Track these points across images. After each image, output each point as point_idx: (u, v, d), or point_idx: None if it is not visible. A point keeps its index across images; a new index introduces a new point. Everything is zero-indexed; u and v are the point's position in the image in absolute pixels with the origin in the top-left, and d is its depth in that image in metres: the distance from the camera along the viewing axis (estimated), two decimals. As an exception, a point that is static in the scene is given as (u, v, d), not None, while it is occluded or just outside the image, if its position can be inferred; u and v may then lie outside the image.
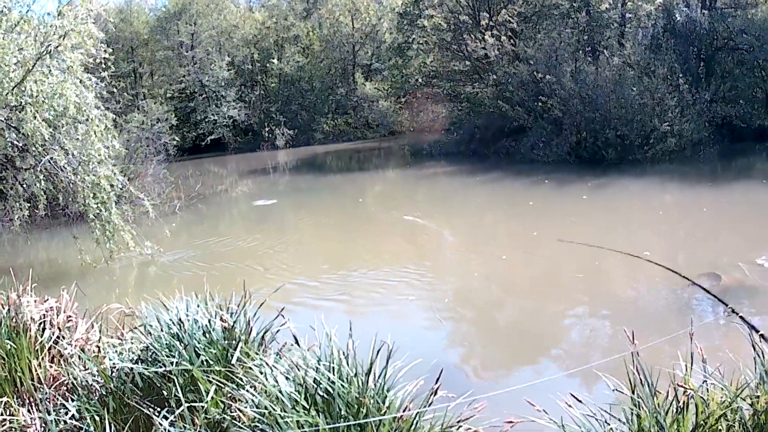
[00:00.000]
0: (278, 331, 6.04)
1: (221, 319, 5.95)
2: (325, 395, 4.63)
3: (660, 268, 11.63)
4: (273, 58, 47.34)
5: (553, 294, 11.08)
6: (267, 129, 44.78)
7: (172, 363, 5.33)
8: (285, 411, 4.44)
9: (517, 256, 13.92)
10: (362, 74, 48.09)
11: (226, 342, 5.72)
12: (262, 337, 6.00)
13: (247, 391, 4.80)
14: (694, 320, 8.60)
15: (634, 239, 14.46)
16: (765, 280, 10.38)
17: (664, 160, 24.48)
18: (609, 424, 4.29)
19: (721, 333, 8.36)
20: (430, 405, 4.57)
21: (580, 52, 30.65)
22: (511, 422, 4.33)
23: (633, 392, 4.38)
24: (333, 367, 4.79)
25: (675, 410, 4.21)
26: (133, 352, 5.85)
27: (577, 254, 13.18)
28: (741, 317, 8.26)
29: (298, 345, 5.34)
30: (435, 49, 36.29)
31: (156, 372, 5.37)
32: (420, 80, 37.83)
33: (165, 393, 5.23)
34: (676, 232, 15.25)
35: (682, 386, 4.23)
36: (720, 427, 4.11)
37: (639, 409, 4.24)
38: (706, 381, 4.33)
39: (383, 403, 4.67)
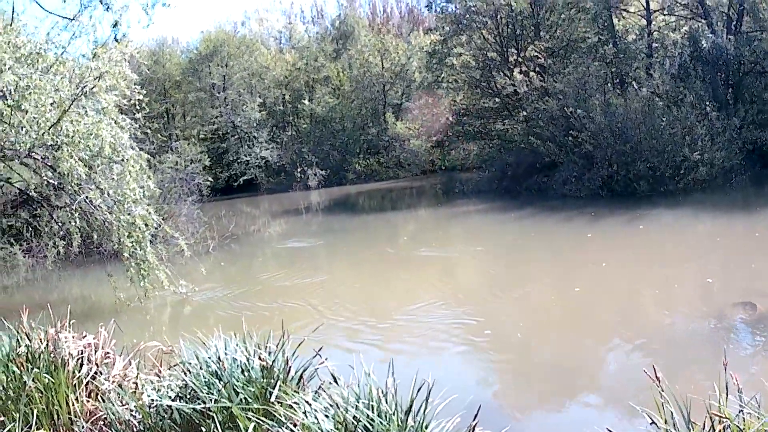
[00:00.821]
0: (317, 369, 6.05)
1: (260, 357, 5.98)
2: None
3: (694, 299, 11.75)
4: (304, 99, 47.99)
5: (589, 328, 11.11)
6: (299, 169, 45.13)
7: (211, 400, 5.38)
8: None
9: (551, 291, 13.97)
10: (393, 114, 48.52)
11: (265, 380, 5.73)
12: (301, 375, 6.01)
13: (287, 428, 4.83)
14: (731, 350, 8.81)
15: (668, 271, 14.43)
16: None
17: (696, 189, 24.53)
18: None
19: (757, 362, 8.34)
20: None
21: (609, 84, 30.75)
22: None
23: (667, 423, 4.40)
24: (372, 405, 4.77)
25: None
26: (171, 389, 5.90)
27: (612, 288, 13.31)
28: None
29: (337, 383, 5.37)
30: (464, 86, 36.54)
31: (195, 409, 5.42)
32: (451, 119, 37.97)
33: (203, 430, 5.29)
34: (710, 261, 15.20)
35: (717, 415, 4.22)
36: None
37: None
38: (742, 410, 4.30)
39: None
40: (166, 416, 5.57)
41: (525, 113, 30.27)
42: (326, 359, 5.96)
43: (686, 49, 30.32)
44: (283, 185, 45.43)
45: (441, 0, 37.18)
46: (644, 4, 32.57)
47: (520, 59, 32.24)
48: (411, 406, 4.77)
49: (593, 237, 19.33)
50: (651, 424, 4.50)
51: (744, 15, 31.82)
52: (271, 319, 11.43)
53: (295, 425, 4.86)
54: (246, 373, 5.78)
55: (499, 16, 34.09)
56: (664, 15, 34.19)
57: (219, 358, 5.92)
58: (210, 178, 32.84)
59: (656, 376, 4.60)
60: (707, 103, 26.79)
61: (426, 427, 4.76)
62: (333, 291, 15.34)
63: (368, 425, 4.60)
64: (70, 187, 13.58)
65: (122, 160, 13.79)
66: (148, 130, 21.05)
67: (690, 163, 24.46)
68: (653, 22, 32.94)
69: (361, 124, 48.38)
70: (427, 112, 41.50)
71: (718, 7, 32.46)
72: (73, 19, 14.49)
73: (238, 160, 45.77)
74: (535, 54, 31.77)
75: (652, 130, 24.95)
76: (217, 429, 4.99)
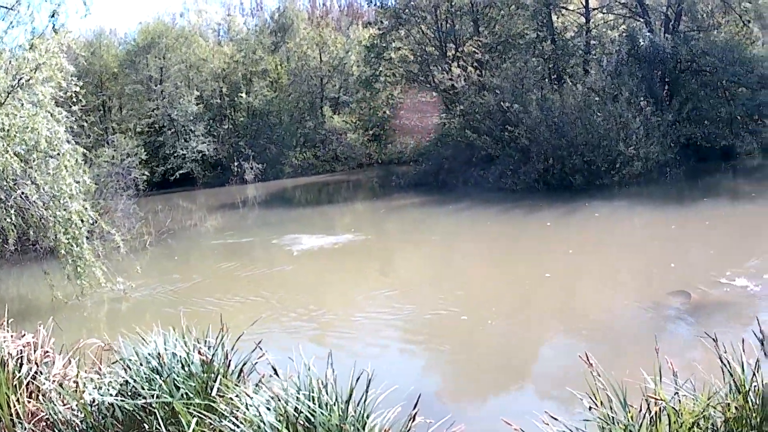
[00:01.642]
0: (256, 363, 6.00)
1: (199, 352, 5.91)
2: (306, 423, 4.62)
3: (631, 289, 12.07)
4: (241, 92, 47.24)
5: (529, 318, 11.22)
6: (236, 163, 44.52)
7: (152, 396, 5.31)
8: None
9: (489, 282, 14.02)
10: (330, 107, 48.28)
11: (206, 375, 5.70)
12: (241, 369, 5.98)
13: (229, 422, 4.79)
14: (667, 337, 9.24)
15: (605, 261, 14.75)
16: (732, 296, 10.64)
17: (632, 183, 24.93)
18: None
19: (691, 349, 8.41)
20: (409, 430, 4.63)
21: (546, 80, 30.90)
22: None
23: (603, 407, 4.46)
24: (313, 396, 4.79)
25: (649, 422, 4.28)
26: (112, 387, 5.80)
27: (549, 278, 13.35)
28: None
29: (278, 376, 5.32)
30: (402, 81, 36.41)
31: (136, 405, 5.35)
32: (388, 112, 37.83)
33: (146, 426, 5.26)
34: (645, 252, 15.44)
35: (652, 397, 4.33)
36: None
37: (612, 423, 4.34)
38: (677, 393, 4.43)
39: (363, 429, 4.69)
40: (108, 414, 5.48)
41: (462, 107, 30.20)
42: (266, 352, 5.91)
43: (624, 47, 30.68)
44: (220, 179, 44.75)
45: (380, -6, 36.97)
46: (583, 2, 32.86)
47: (458, 54, 32.22)
48: (351, 395, 4.79)
49: (530, 229, 19.48)
50: (590, 409, 4.53)
51: (682, 15, 32.33)
52: (209, 314, 11.32)
53: (237, 419, 4.82)
54: (186, 368, 5.74)
55: (438, 12, 34.00)
56: (603, 13, 34.53)
57: (159, 354, 5.84)
58: (146, 173, 32.35)
59: (589, 362, 4.66)
60: (643, 99, 27.07)
61: (367, 417, 4.79)
62: (270, 285, 15.08)
63: (309, 416, 4.63)
64: (5, 183, 13.04)
65: (58, 154, 13.31)
66: (84, 124, 20.51)
67: (625, 157, 24.79)
68: (592, 20, 33.19)
69: (299, 118, 47.95)
70: (364, 105, 41.29)
71: (657, 7, 32.93)
72: (12, 8, 13.95)
73: (175, 154, 44.86)
74: (474, 49, 31.75)
75: (587, 125, 25.12)
76: (160, 425, 4.93)
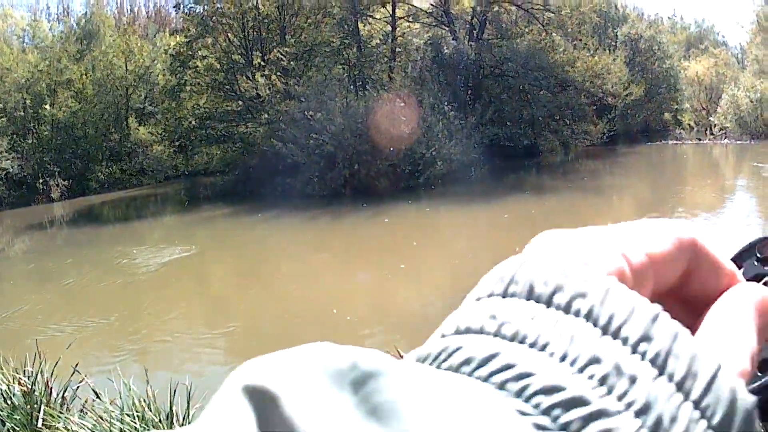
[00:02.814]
0: (78, 387, 5.81)
1: (19, 382, 5.63)
2: None
3: (445, 287, 12.53)
4: (46, 104, 44.93)
5: (342, 322, 11.25)
6: (41, 180, 42.26)
7: None
8: None
9: (298, 289, 13.99)
10: (136, 119, 46.51)
11: (28, 406, 5.44)
12: (63, 395, 5.74)
13: None
14: None
15: (415, 260, 15.11)
16: None
17: (437, 183, 25.28)
18: None
19: None
20: None
21: (352, 86, 30.99)
22: None
23: None
24: (137, 415, 4.74)
25: None
26: None
27: (361, 280, 13.93)
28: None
29: (100, 399, 5.20)
30: (208, 90, 35.75)
31: None
32: (194, 122, 37.04)
33: None
34: (455, 249, 16.12)
35: None
36: None
37: None
38: None
39: None
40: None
41: (267, 116, 29.90)
42: (85, 376, 5.79)
43: (428, 54, 31.24)
44: (26, 198, 42.29)
45: (189, 1, 36.03)
46: (390, 11, 33.17)
47: (264, 62, 31.85)
48: (171, 409, 4.82)
49: (337, 235, 19.56)
50: None
51: (486, 24, 33.31)
52: (22, 342, 10.38)
53: None
54: (9, 401, 5.50)
55: (245, 19, 33.56)
56: (409, 22, 35.02)
57: None
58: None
59: (400, 355, 4.41)
60: (446, 103, 27.66)
61: None
62: (84, 306, 14.40)
63: None
64: None
65: None
66: None
67: (427, 159, 25.12)
68: (398, 28, 33.61)
69: (104, 130, 45.88)
70: (170, 116, 40.22)
71: (462, 16, 33.77)
72: None
73: (-24, 173, 42.21)
74: (279, 57, 31.48)
75: (390, 130, 25.36)
76: None
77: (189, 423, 3.94)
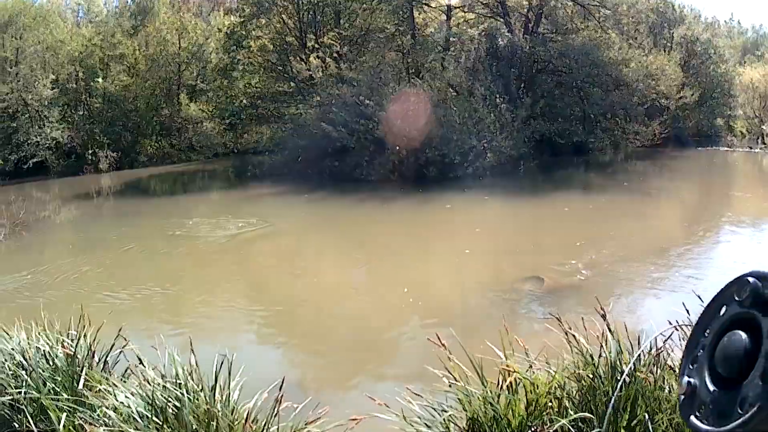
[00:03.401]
0: (120, 353, 5.85)
1: (63, 345, 5.70)
2: (175, 410, 4.61)
3: (486, 276, 12.64)
4: (98, 77, 45.33)
5: (389, 305, 11.26)
6: (90, 151, 42.67)
7: (19, 393, 5.16)
8: (138, 429, 4.45)
9: (348, 270, 14.11)
10: (187, 95, 46.76)
11: (70, 368, 5.50)
12: (105, 359, 5.84)
13: (99, 413, 4.73)
14: (522, 320, 9.97)
15: (460, 250, 15.01)
16: (581, 281, 11.43)
17: (485, 175, 25.26)
18: (446, 411, 4.59)
19: (544, 329, 8.74)
20: (276, 414, 4.69)
21: (404, 73, 30.94)
22: (355, 419, 4.49)
23: (459, 382, 4.70)
24: (179, 383, 4.76)
25: (507, 392, 4.58)
26: None
27: (405, 267, 13.57)
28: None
29: (143, 365, 5.22)
30: (260, 70, 35.92)
31: (3, 403, 5.21)
32: (245, 101, 37.21)
33: (16, 425, 5.12)
34: (499, 241, 16.09)
35: (506, 369, 4.63)
36: (551, 404, 4.60)
37: (471, 396, 4.61)
38: (531, 366, 4.75)
39: (231, 414, 4.76)
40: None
41: (318, 98, 29.92)
42: (129, 342, 5.82)
43: (483, 45, 31.12)
44: (74, 168, 42.69)
45: (245, -19, 36.22)
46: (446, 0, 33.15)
47: (317, 45, 31.89)
48: (216, 381, 4.82)
49: (385, 219, 19.75)
50: (450, 386, 4.75)
51: (542, 17, 33.11)
52: (69, 306, 10.52)
53: (106, 410, 4.74)
54: (51, 363, 5.56)
55: (301, 1, 33.62)
56: (464, 11, 34.91)
57: (23, 349, 5.67)
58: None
59: (441, 343, 4.86)
60: (498, 95, 27.56)
61: (235, 402, 4.91)
62: (129, 275, 14.39)
63: (178, 402, 4.63)
64: None
65: None
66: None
67: (477, 150, 25.03)
68: (453, 18, 33.54)
69: (155, 105, 46.19)
70: (221, 94, 40.45)
71: (518, 9, 33.60)
72: None
73: (29, 141, 42.47)
74: (333, 41, 31.52)
75: (442, 119, 25.30)
76: (29, 422, 4.86)
77: (231, 395, 4.45)
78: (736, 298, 0.78)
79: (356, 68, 28.90)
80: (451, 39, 32.67)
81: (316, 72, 30.20)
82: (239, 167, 38.04)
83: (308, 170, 29.20)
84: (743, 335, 0.79)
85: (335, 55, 31.38)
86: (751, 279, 0.77)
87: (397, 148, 25.80)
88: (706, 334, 0.94)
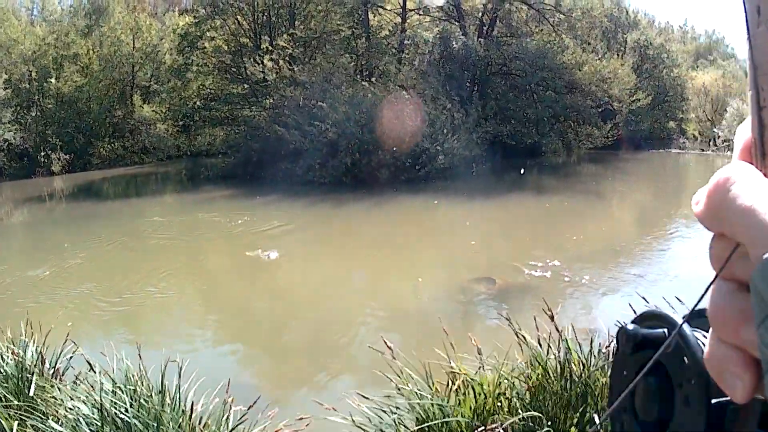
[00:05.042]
0: (71, 358, 5.89)
1: (12, 352, 5.69)
2: (124, 416, 4.59)
3: (438, 277, 12.94)
4: (51, 77, 44.77)
5: (339, 308, 11.32)
6: (43, 153, 42.09)
7: None
8: None
9: (299, 276, 14.08)
10: (140, 96, 46.39)
11: (20, 375, 5.50)
12: (55, 366, 5.82)
13: (50, 420, 4.67)
14: (473, 320, 10.14)
15: (413, 251, 15.38)
16: (531, 281, 11.62)
17: (438, 177, 25.32)
18: (395, 413, 4.69)
19: (494, 328, 8.71)
20: (226, 418, 4.77)
21: (358, 76, 30.97)
22: (302, 418, 4.63)
23: (410, 384, 4.83)
24: (129, 389, 4.78)
25: (455, 394, 4.67)
26: None
27: (358, 271, 13.90)
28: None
29: (94, 371, 5.15)
30: (214, 71, 35.75)
31: None
32: (198, 103, 37.02)
33: None
34: (451, 242, 16.23)
35: (455, 372, 4.75)
36: (500, 404, 4.69)
37: (419, 398, 4.68)
38: (481, 367, 4.86)
39: (179, 417, 4.76)
40: None
41: (272, 101, 29.88)
42: (79, 348, 5.82)
43: (437, 48, 31.24)
44: (26, 170, 42.12)
45: (200, -19, 36.06)
46: (401, 3, 33.18)
47: (271, 47, 31.83)
48: (163, 386, 4.86)
49: (338, 221, 19.71)
50: (398, 390, 4.83)
51: (497, 21, 33.32)
52: (14, 311, 10.50)
53: (57, 416, 4.76)
54: (2, 370, 5.57)
55: (256, 3, 33.55)
56: (420, 15, 35.01)
57: None
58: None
59: (388, 347, 5.01)
60: (451, 98, 27.69)
61: (184, 405, 4.89)
62: (80, 280, 14.21)
63: (127, 408, 4.62)
64: None
65: None
66: None
67: (430, 153, 25.12)
68: (408, 21, 33.60)
69: (108, 106, 45.72)
70: (175, 95, 40.21)
71: (473, 12, 33.77)
72: None
73: (-21, 143, 42.00)
74: (285, 45, 31.48)
75: (395, 122, 25.35)
76: None
77: (181, 398, 4.37)
78: (626, 351, 0.80)
79: (309, 70, 28.85)
80: (405, 42, 32.75)
81: (270, 74, 30.15)
82: (192, 170, 37.62)
83: (261, 173, 29.14)
84: (651, 378, 0.80)
85: (289, 57, 31.31)
86: (627, 328, 0.79)
87: (350, 150, 25.84)
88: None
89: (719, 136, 42.45)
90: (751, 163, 0.51)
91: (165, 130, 43.96)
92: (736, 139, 0.54)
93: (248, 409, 4.82)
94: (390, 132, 25.28)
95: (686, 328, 0.72)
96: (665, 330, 0.74)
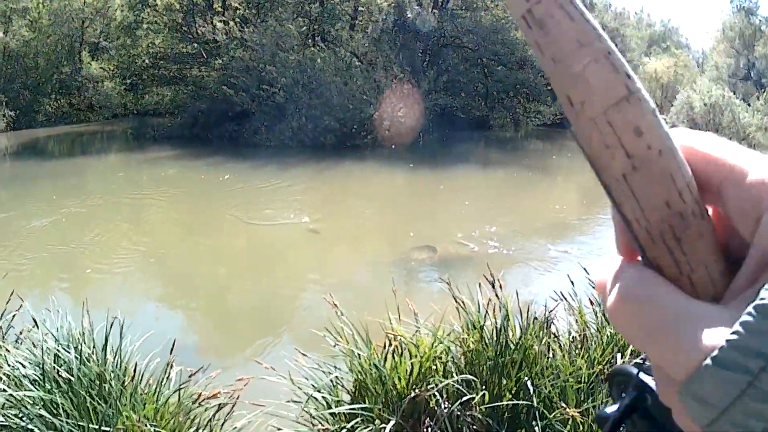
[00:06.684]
0: (14, 316, 5.55)
1: None
2: (67, 374, 4.51)
3: (380, 244, 13.15)
4: (-1, 31, 43.85)
5: (280, 273, 11.53)
6: (-13, 110, 41.24)
7: None
8: (29, 394, 4.36)
9: (243, 240, 14.14)
10: (89, 53, 45.45)
11: None
12: None
13: None
14: (414, 286, 10.37)
15: (356, 219, 15.45)
16: (473, 253, 11.81)
17: (385, 145, 25.26)
18: (333, 373, 4.76)
19: (434, 295, 9.03)
20: (168, 377, 4.78)
21: (310, 41, 30.83)
22: (241, 379, 4.64)
23: (349, 344, 4.89)
24: (72, 346, 4.72)
25: (392, 355, 4.75)
26: None
27: (302, 236, 13.80)
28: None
29: (38, 327, 5.02)
30: (165, 29, 35.27)
31: None
32: (147, 61, 36.55)
33: None
34: (395, 210, 16.42)
35: (391, 333, 4.79)
36: (435, 367, 4.74)
37: (358, 358, 4.78)
38: (418, 330, 4.91)
39: (123, 375, 4.74)
40: None
41: (221, 62, 29.62)
42: (22, 304, 5.53)
43: (390, 17, 31.16)
44: (-30, 128, 41.37)
45: (153, -63, 35.48)
46: (357, -31, 33.07)
47: (223, 8, 31.51)
48: (106, 343, 4.83)
49: (281, 185, 19.50)
50: (335, 346, 4.92)
51: (454, -7, 33.39)
52: None
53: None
54: None
55: (210, -39, 33.16)
56: (375, -18, 34.88)
57: None
58: None
59: (333, 304, 5.02)
60: (403, 68, 27.71)
61: (128, 365, 4.86)
62: (21, 241, 13.93)
63: (69, 366, 4.57)
64: None
65: None
66: None
67: (377, 121, 25.16)
68: (363, -12, 33.52)
69: (56, 62, 44.79)
70: (123, 53, 39.62)
71: (429, -18, 33.82)
72: None
73: None
74: (239, 4, 31.21)
75: (343, 87, 25.30)
76: None
77: (122, 357, 4.50)
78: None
79: (260, 33, 28.58)
80: (359, 9, 32.63)
81: (221, 34, 29.85)
82: (138, 129, 37.02)
83: (208, 134, 28.94)
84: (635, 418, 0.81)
85: (240, 18, 31.01)
86: (599, 415, 0.79)
87: (297, 114, 25.76)
88: None
89: (667, 122, 42.86)
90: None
91: (112, 88, 43.22)
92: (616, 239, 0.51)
93: (194, 372, 4.83)
94: (338, 98, 25.23)
95: (642, 376, 0.73)
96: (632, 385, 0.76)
